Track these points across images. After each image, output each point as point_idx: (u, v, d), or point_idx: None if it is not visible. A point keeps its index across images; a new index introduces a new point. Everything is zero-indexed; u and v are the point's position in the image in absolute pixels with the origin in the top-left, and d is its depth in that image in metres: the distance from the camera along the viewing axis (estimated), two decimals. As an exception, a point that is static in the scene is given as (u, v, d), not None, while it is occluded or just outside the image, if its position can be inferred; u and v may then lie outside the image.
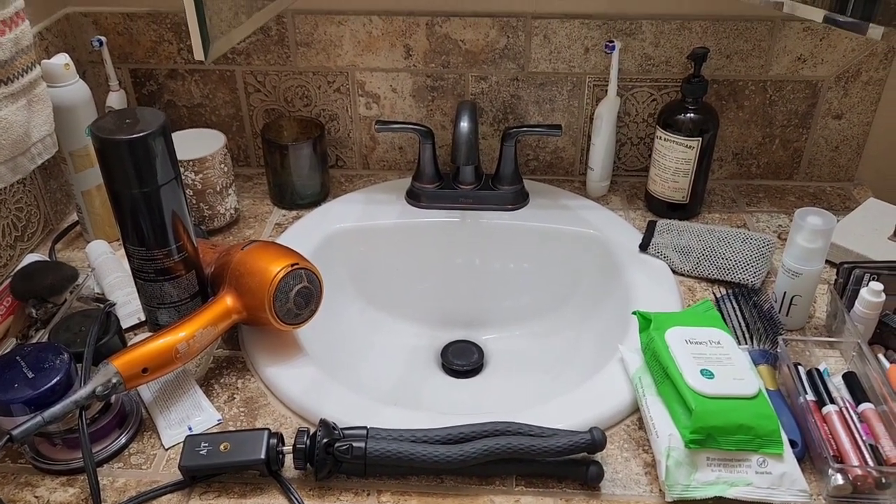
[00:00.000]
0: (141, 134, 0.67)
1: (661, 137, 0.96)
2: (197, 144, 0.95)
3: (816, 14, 0.80)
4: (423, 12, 0.99)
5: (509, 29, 0.99)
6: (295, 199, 1.03)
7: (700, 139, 0.93)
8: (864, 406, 0.69)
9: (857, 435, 0.65)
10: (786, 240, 0.90)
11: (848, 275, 0.79)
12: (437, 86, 1.04)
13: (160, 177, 0.70)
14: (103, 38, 0.99)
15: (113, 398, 0.68)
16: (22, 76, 0.71)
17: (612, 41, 0.95)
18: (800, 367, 0.73)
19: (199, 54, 0.61)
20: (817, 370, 0.73)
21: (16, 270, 0.82)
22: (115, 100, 1.01)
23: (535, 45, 1.00)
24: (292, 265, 0.74)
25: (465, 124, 0.90)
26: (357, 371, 0.89)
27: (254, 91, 1.07)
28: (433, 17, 0.99)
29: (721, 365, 0.67)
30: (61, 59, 0.86)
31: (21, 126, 0.71)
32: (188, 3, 0.58)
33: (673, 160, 0.95)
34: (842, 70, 1.00)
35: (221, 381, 0.77)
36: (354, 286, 0.98)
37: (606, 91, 0.99)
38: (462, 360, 0.94)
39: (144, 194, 0.70)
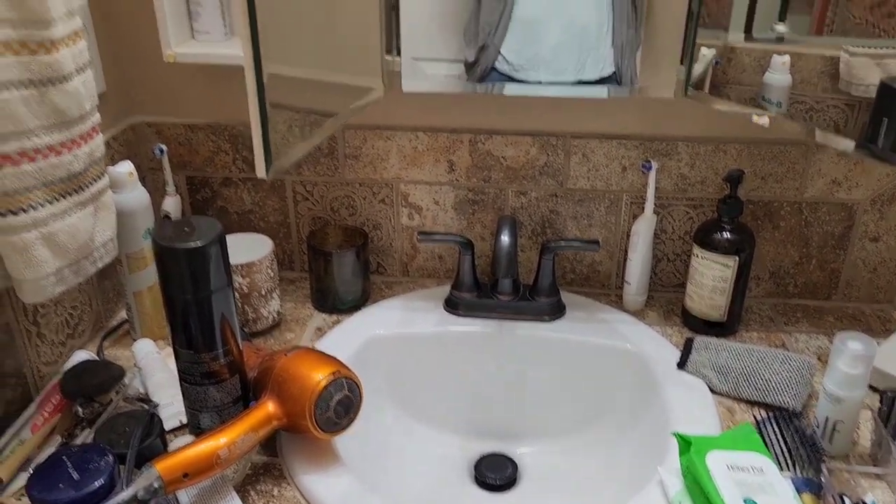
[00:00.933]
0: (199, 244, 0.70)
1: (697, 255, 0.97)
2: (246, 249, 0.99)
3: (847, 144, 0.83)
4: (466, 130, 1.04)
5: (549, 147, 1.03)
6: (336, 304, 1.06)
7: (737, 258, 0.94)
8: (916, 542, 0.66)
9: (909, 574, 0.63)
10: (826, 362, 0.89)
11: (892, 402, 0.78)
12: (478, 199, 1.08)
13: (213, 283, 0.73)
14: (164, 147, 1.05)
15: (152, 502, 0.68)
16: (92, 185, 0.76)
17: (648, 161, 0.98)
18: (845, 498, 0.71)
19: (261, 173, 0.65)
20: (863, 502, 0.71)
21: (66, 369, 0.85)
22: (171, 205, 1.07)
23: (574, 163, 1.04)
24: (334, 374, 0.75)
25: (505, 238, 0.92)
26: (391, 480, 0.88)
27: (302, 200, 1.11)
28: (476, 135, 1.04)
29: (764, 493, 0.66)
30: (126, 168, 0.91)
31: (87, 232, 0.75)
32: (255, 126, 0.63)
33: (710, 278, 0.96)
34: (877, 194, 1.01)
35: (258, 487, 0.77)
36: (391, 393, 0.99)
37: (643, 208, 1.02)
38: (496, 474, 0.93)
39: (197, 299, 0.73)
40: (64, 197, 0.71)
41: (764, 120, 0.90)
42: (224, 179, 1.12)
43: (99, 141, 0.77)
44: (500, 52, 0.93)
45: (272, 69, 0.67)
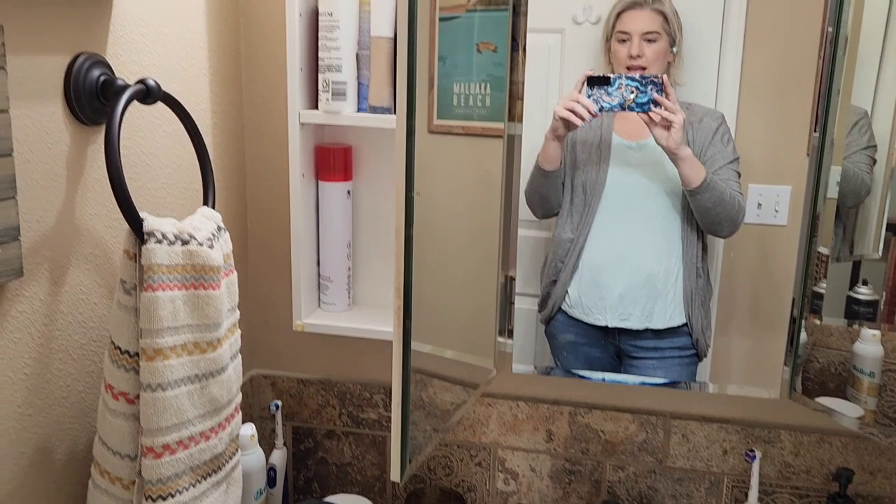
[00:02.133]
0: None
1: (808, 555, 0.94)
2: (347, 513, 1.00)
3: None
4: (567, 402, 1.08)
5: (648, 425, 1.05)
6: (429, 573, 1.05)
7: (852, 563, 0.91)
8: None
9: None
10: None
11: None
12: (574, 470, 1.09)
13: (331, 572, 0.75)
14: (279, 403, 1.11)
15: None
16: (228, 462, 0.80)
17: (752, 451, 0.98)
18: None
19: (395, 476, 0.69)
20: None
21: None
22: (278, 457, 1.10)
23: (674, 442, 1.05)
24: None
25: (611, 529, 0.92)
26: None
27: (401, 457, 1.14)
28: (576, 408, 1.07)
29: None
30: (249, 431, 0.96)
31: (218, 511, 0.79)
32: (395, 433, 0.67)
33: (823, 582, 0.93)
34: None
35: None
36: None
37: (745, 493, 1.00)
38: None
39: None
40: (205, 479, 0.76)
41: (852, 424, 0.91)
42: (328, 432, 1.16)
43: (238, 419, 0.82)
44: (567, 292, 0.98)
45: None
